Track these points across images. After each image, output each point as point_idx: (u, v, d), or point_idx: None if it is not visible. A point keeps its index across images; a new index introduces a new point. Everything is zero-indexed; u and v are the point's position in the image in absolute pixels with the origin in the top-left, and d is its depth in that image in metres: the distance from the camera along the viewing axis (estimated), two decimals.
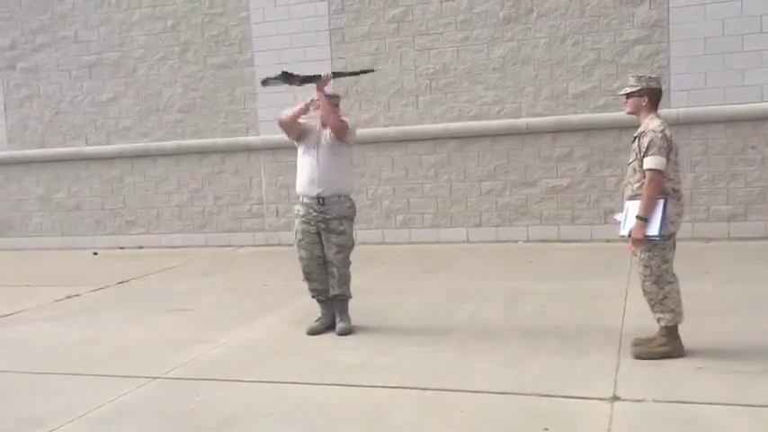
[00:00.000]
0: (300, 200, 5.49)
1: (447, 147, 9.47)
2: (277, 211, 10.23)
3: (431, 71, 9.45)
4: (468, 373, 4.39)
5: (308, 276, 5.52)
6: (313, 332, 5.44)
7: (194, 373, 4.70)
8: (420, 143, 9.52)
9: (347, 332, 5.38)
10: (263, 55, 10.01)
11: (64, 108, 11.11)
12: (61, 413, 4.09)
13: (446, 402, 3.95)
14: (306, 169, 5.43)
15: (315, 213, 5.38)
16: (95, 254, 10.64)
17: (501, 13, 9.13)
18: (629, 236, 4.39)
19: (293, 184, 9.96)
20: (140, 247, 10.82)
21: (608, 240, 8.71)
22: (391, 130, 9.63)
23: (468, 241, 9.43)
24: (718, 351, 4.49)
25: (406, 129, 9.55)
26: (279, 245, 10.08)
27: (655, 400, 3.79)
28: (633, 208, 4.39)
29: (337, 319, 5.47)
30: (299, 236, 5.46)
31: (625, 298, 5.93)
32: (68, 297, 7.37)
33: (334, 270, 5.42)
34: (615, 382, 4.07)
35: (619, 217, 4.56)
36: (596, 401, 3.83)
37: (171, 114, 10.60)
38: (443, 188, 9.53)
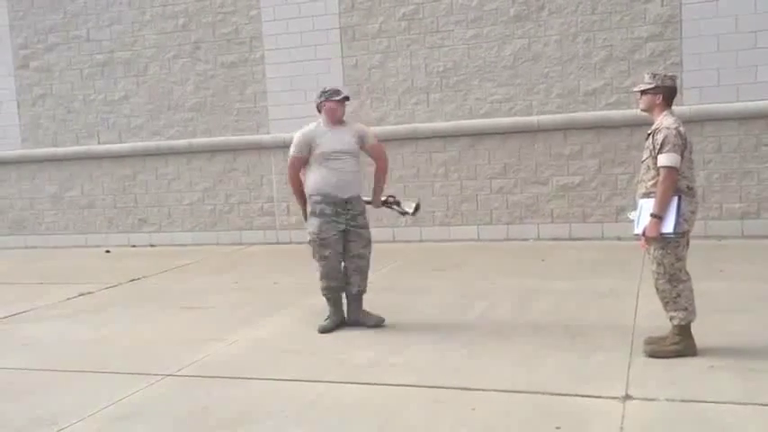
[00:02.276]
0: (326, 200, 5.44)
1: (457, 145, 9.46)
2: (288, 210, 10.24)
3: (441, 69, 9.43)
4: (481, 372, 4.38)
5: (329, 275, 5.51)
6: (325, 330, 5.45)
7: (206, 371, 4.71)
8: (430, 141, 9.51)
9: (382, 322, 5.52)
10: (274, 53, 10.03)
11: (76, 107, 11.17)
12: (73, 411, 4.11)
13: (458, 401, 3.94)
14: (335, 172, 5.41)
15: (343, 212, 5.44)
16: (108, 252, 10.70)
17: (512, 11, 9.10)
18: (643, 234, 4.37)
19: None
20: (152, 245, 10.87)
21: (619, 238, 8.68)
22: (402, 127, 9.62)
23: (478, 239, 9.41)
24: (731, 350, 4.47)
25: (417, 126, 9.55)
26: (290, 243, 10.09)
27: (667, 399, 3.78)
28: (647, 206, 4.36)
29: (362, 315, 5.55)
30: (325, 234, 5.44)
31: (637, 297, 5.91)
32: (81, 295, 7.41)
33: (363, 264, 5.54)
34: (627, 381, 4.06)
35: (632, 215, 4.54)
36: (609, 400, 3.82)
37: (182, 113, 10.64)
38: (454, 186, 9.51)
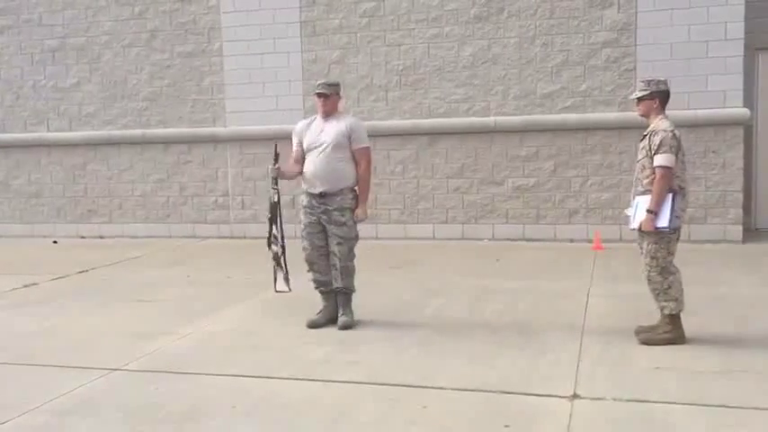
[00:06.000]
0: (305, 190, 5.48)
1: (415, 143, 9.48)
2: (243, 204, 10.14)
3: (401, 67, 9.44)
4: (433, 370, 4.40)
5: (310, 267, 5.53)
6: (313, 325, 5.39)
7: (156, 366, 4.64)
8: (388, 139, 9.51)
9: (348, 326, 5.35)
10: (233, 45, 9.90)
11: (25, 93, 10.86)
12: (17, 404, 4.00)
13: (410, 398, 3.96)
14: (310, 165, 5.39)
15: (317, 204, 5.40)
16: (55, 242, 10.44)
17: (472, 11, 9.16)
18: (639, 229, 4.67)
19: (260, 176, 10.00)
20: (101, 237, 10.64)
21: (572, 240, 8.85)
22: None
23: (434, 238, 9.45)
24: (678, 351, 4.58)
25: (375, 124, 9.51)
26: (244, 237, 9.99)
27: (614, 399, 3.85)
28: (642, 203, 4.67)
29: (339, 312, 5.47)
30: (302, 225, 5.50)
31: (587, 297, 6.01)
32: (26, 286, 7.22)
33: (337, 262, 5.42)
34: (576, 381, 4.13)
35: (629, 211, 4.86)
36: (557, 399, 3.88)
37: (136, 102, 10.43)
38: (411, 184, 9.54)
